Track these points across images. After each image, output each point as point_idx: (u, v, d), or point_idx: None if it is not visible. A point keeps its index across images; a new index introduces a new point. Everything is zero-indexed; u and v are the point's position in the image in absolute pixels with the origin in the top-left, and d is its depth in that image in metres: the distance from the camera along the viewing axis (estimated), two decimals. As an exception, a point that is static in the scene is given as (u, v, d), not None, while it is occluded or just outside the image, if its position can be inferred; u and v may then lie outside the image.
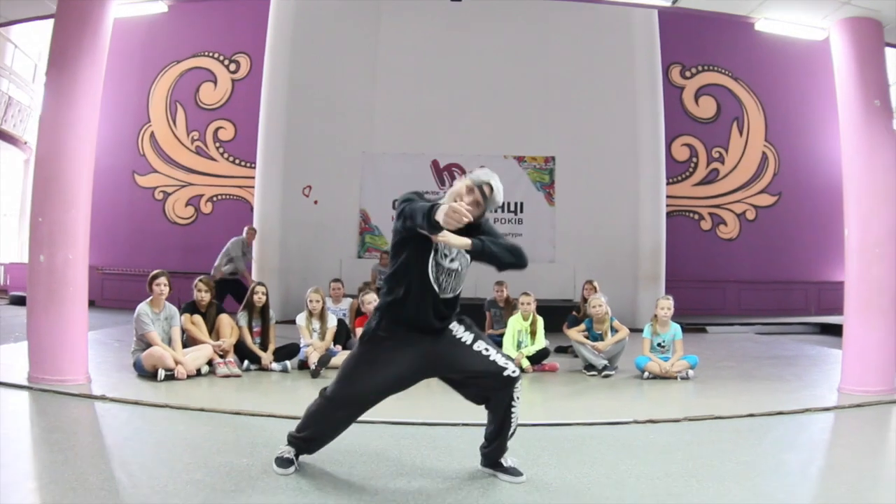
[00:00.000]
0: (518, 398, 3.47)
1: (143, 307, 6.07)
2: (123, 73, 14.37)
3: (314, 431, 3.59)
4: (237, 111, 14.52)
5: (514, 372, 3.42)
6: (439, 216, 3.01)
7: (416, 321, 3.41)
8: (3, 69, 14.94)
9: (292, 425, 4.57)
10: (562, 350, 8.72)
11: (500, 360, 3.43)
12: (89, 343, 7.74)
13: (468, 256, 3.42)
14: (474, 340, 3.48)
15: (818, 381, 6.67)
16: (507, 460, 3.63)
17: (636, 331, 11.75)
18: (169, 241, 14.04)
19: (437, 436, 4.38)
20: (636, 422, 4.84)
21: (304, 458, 3.67)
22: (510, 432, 3.54)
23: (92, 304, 13.54)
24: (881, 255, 5.51)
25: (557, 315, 10.12)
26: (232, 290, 10.20)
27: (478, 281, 8.83)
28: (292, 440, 3.65)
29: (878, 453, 4.23)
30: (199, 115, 14.73)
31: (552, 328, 8.86)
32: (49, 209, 5.32)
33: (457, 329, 3.52)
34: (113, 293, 13.54)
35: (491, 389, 3.47)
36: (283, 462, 3.59)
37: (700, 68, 15.57)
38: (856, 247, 5.66)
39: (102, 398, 5.00)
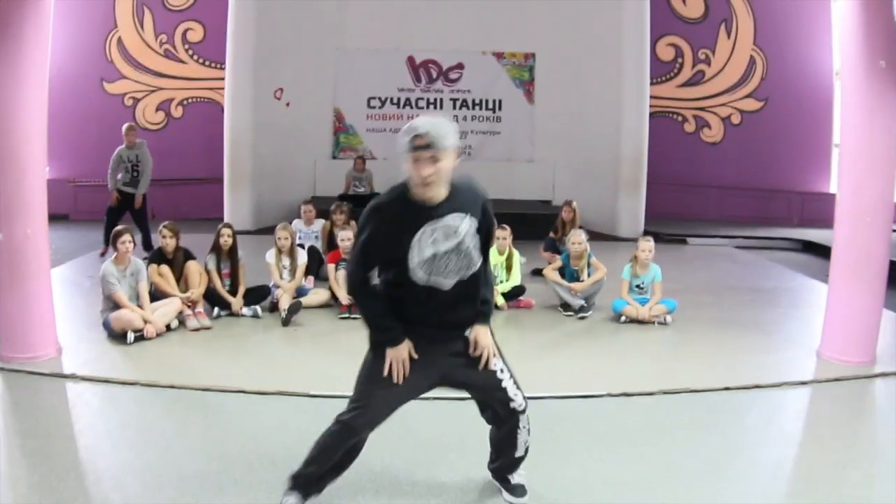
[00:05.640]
0: (524, 427, 3.19)
1: (107, 266, 5.86)
2: (88, -20, 13.52)
3: (323, 461, 3.08)
4: (206, 11, 13.73)
5: (520, 406, 3.14)
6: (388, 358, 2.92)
7: (426, 322, 2.98)
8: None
9: (264, 401, 4.56)
10: (538, 272, 8.54)
11: (511, 390, 3.12)
12: (59, 281, 7.69)
13: (472, 223, 2.89)
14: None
15: (798, 335, 6.57)
16: (515, 477, 3.41)
17: (617, 239, 11.85)
18: (140, 148, 13.56)
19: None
20: (609, 395, 4.86)
21: None
22: (517, 455, 3.28)
23: (66, 217, 13.36)
24: (871, 223, 5.29)
25: (535, 224, 10.09)
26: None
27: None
28: (298, 480, 3.12)
29: (851, 446, 4.29)
30: (166, 18, 13.99)
31: (531, 237, 9.14)
32: (3, 180, 5.00)
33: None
34: (87, 205, 13.16)
35: (496, 414, 3.21)
36: None
37: (688, -35, 14.75)
38: (847, 211, 5.41)
39: (73, 377, 4.96)
